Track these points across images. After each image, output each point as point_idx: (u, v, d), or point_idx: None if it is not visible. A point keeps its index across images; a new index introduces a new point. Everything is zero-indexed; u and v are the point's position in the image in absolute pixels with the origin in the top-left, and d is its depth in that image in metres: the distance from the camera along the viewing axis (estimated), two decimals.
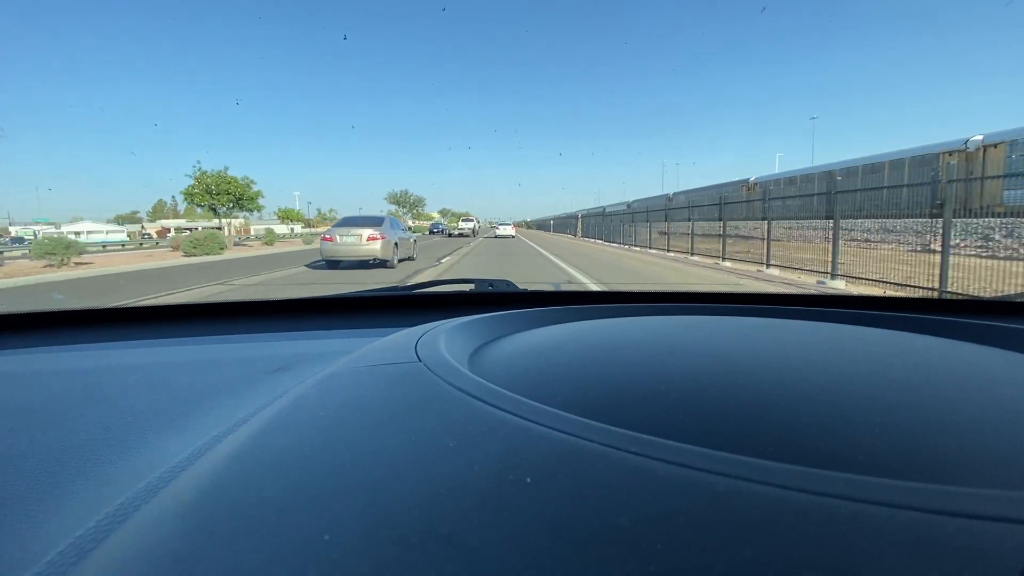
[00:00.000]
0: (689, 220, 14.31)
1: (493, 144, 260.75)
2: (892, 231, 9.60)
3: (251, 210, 24.27)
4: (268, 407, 0.34)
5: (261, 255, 16.68)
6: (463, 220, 40.60)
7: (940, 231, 6.20)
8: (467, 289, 1.20)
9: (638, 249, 17.81)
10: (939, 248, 6.28)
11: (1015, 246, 7.91)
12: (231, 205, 23.43)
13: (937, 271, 6.15)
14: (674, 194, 38.08)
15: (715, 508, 0.18)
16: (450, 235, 37.55)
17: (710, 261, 12.07)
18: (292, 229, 52.80)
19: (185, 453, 0.32)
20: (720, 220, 12.70)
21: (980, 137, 14.08)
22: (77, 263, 12.71)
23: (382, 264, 10.55)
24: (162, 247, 23.65)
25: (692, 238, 13.93)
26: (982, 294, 5.56)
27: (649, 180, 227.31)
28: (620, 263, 11.65)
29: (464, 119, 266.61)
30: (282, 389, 0.44)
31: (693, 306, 0.62)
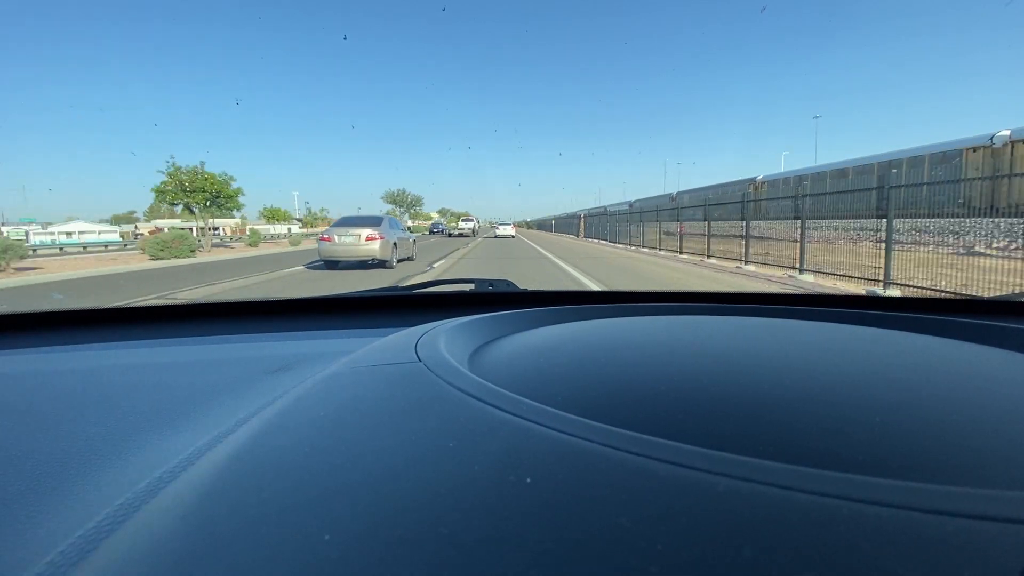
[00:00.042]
0: (705, 220, 13.32)
1: (493, 144, 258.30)
2: (925, 231, 8.88)
3: (230, 209, 22.53)
4: (268, 407, 0.34)
5: (240, 258, 15.67)
6: (463, 220, 40.53)
7: (984, 231, 5.52)
8: (467, 289, 1.19)
9: (647, 251, 16.98)
10: (986, 250, 5.62)
11: None
12: (207, 203, 21.46)
13: (995, 277, 5.49)
14: (678, 193, 37.47)
15: (716, 508, 0.18)
16: (450, 235, 37.52)
17: (730, 264, 11.15)
18: (290, 229, 51.87)
19: (185, 453, 0.32)
20: (723, 220, 12.12)
21: (1007, 132, 13.44)
22: (19, 268, 11.58)
23: (381, 264, 10.49)
24: (130, 250, 22.00)
25: (708, 240, 12.90)
26: None
27: (650, 180, 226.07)
28: (637, 269, 10.69)
29: (464, 119, 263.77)
30: (282, 389, 0.44)
31: (693, 306, 0.62)
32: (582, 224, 34.03)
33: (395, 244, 11.04)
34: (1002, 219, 6.45)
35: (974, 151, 14.12)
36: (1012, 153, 13.29)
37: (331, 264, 10.63)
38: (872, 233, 8.98)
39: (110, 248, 24.96)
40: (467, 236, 34.55)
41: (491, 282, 1.24)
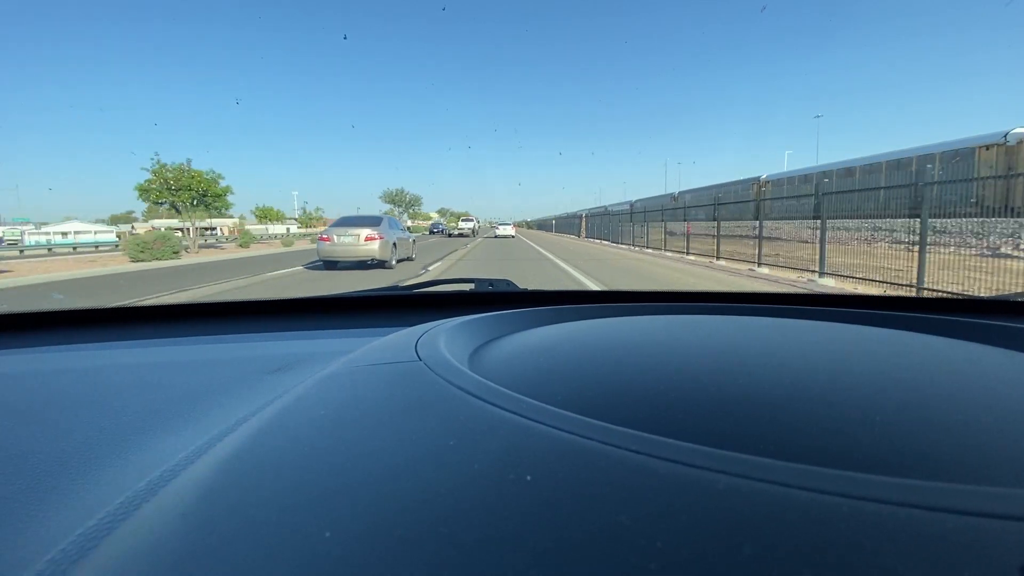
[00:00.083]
0: (714, 219, 12.90)
1: (493, 144, 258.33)
2: (944, 231, 8.49)
3: (218, 208, 21.33)
4: (268, 406, 0.35)
5: (227, 260, 14.91)
6: (463, 220, 40.45)
7: (1008, 231, 5.14)
8: (467, 289, 1.19)
9: (651, 251, 16.43)
10: (1013, 252, 5.25)
11: None
12: (194, 203, 20.34)
13: None
14: (680, 193, 37.11)
15: (716, 506, 0.18)
16: (450, 235, 37.48)
17: (741, 266, 10.63)
18: (288, 230, 51.30)
19: (185, 452, 0.33)
20: (728, 220, 11.68)
21: (1022, 130, 13.08)
22: None
23: (380, 265, 10.45)
24: (120, 251, 20.24)
25: (718, 240, 12.36)
26: None
27: (650, 179, 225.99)
28: (645, 271, 10.08)
29: (464, 119, 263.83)
30: (282, 389, 0.45)
31: (694, 305, 0.63)
32: (583, 224, 33.65)
33: (394, 244, 10.98)
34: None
35: (987, 149, 13.78)
36: None
37: (330, 264, 10.57)
38: (887, 233, 8.56)
39: (100, 249, 24.23)
40: (467, 236, 34.50)
41: (491, 282, 1.24)
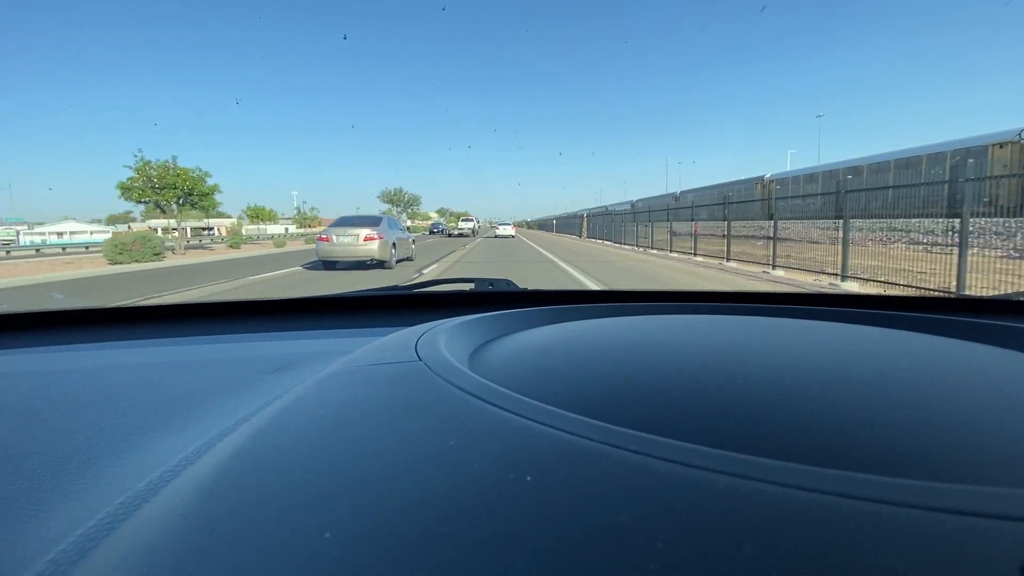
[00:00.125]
0: (725, 219, 12.27)
1: (493, 144, 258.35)
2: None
3: (205, 207, 20.28)
4: (268, 406, 0.35)
5: (214, 262, 14.26)
6: (463, 220, 40.49)
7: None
8: (467, 288, 1.20)
9: (656, 252, 16.05)
10: None
11: None
12: (179, 202, 19.21)
13: None
14: (681, 192, 36.81)
15: (716, 506, 0.18)
16: (450, 235, 37.49)
17: (754, 268, 10.15)
18: (287, 230, 50.84)
19: (185, 452, 0.33)
20: (735, 220, 11.30)
21: None
22: None
23: (379, 265, 10.41)
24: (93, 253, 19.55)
25: (728, 241, 11.77)
26: None
27: (650, 179, 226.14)
28: (654, 274, 9.67)
29: (464, 119, 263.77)
30: (282, 389, 0.45)
31: (694, 305, 0.63)
32: (585, 224, 33.29)
33: (394, 244, 10.95)
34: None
35: (1000, 147, 13.48)
36: None
37: (329, 265, 10.53)
38: (902, 234, 8.20)
39: (91, 249, 23.47)
40: (467, 236, 34.51)
41: (491, 281, 1.24)
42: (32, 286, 9.28)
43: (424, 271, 10.34)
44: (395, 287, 1.23)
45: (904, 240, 8.18)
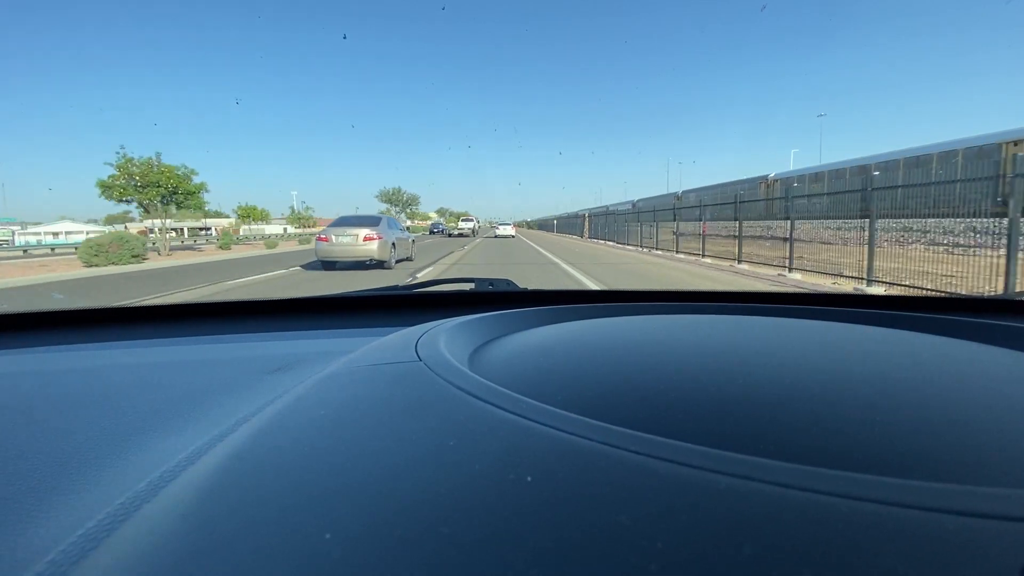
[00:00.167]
0: (735, 219, 11.71)
1: (493, 144, 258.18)
2: (986, 232, 7.73)
3: (191, 207, 19.34)
4: (268, 406, 0.35)
5: (196, 264, 13.42)
6: (463, 220, 40.56)
7: None
8: (467, 288, 1.20)
9: (660, 253, 15.57)
10: None
11: None
12: (162, 200, 18.05)
13: None
14: (683, 192, 36.47)
15: (716, 506, 0.18)
16: (450, 235, 37.55)
17: (768, 271, 9.58)
18: (285, 230, 50.42)
19: (185, 453, 0.33)
20: (741, 220, 10.84)
21: None
22: None
23: (379, 265, 10.37)
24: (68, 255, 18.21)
25: (739, 241, 11.26)
26: None
27: (650, 179, 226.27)
28: (664, 277, 9.12)
29: (464, 119, 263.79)
30: (282, 389, 0.45)
31: (695, 305, 0.63)
32: (587, 224, 32.98)
33: (393, 244, 10.91)
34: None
35: (1016, 144, 13.15)
36: None
37: (328, 265, 10.48)
38: (920, 234, 7.82)
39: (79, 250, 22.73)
40: (467, 236, 34.56)
41: (491, 281, 1.25)
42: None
43: (417, 275, 9.55)
44: (395, 287, 1.22)
45: (923, 241, 7.80)
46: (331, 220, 11.20)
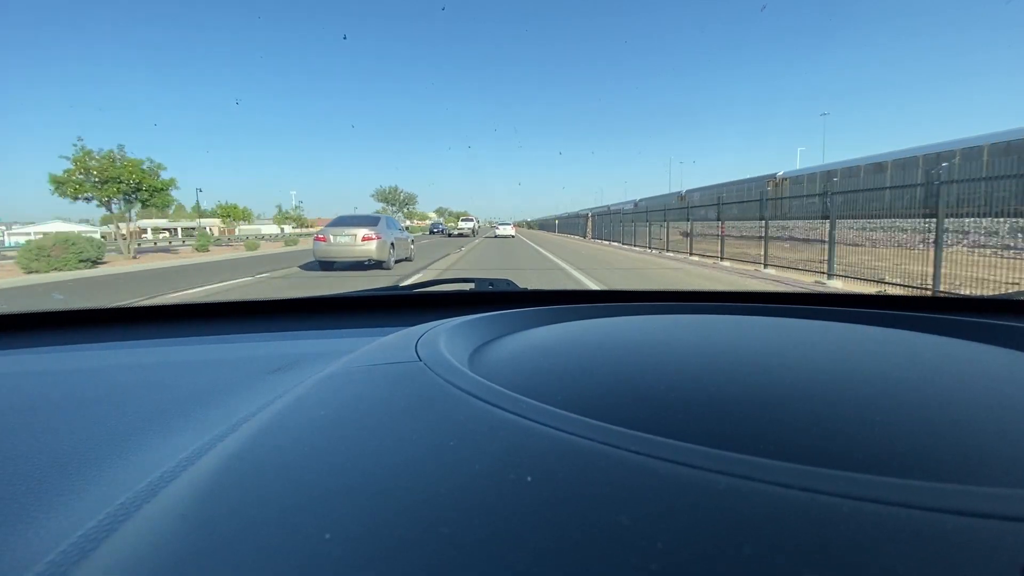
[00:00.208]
0: (761, 219, 10.74)
1: (493, 144, 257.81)
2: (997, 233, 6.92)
3: (158, 205, 17.47)
4: (268, 407, 0.35)
5: (157, 269, 12.21)
6: (463, 220, 40.49)
7: None
8: (467, 288, 1.20)
9: (671, 255, 14.77)
10: None
11: None
12: (125, 197, 16.26)
13: None
14: (686, 191, 35.82)
15: (716, 506, 0.19)
16: (449, 235, 37.50)
17: (803, 277, 8.71)
18: (283, 230, 49.52)
19: (185, 453, 0.33)
20: (743, 219, 10.00)
21: None
22: None
23: (378, 265, 10.24)
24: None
25: (765, 243, 10.28)
26: None
27: (651, 179, 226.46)
28: (680, 283, 8.22)
29: (463, 119, 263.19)
30: (282, 389, 0.45)
31: (695, 305, 0.63)
32: (590, 224, 32.34)
33: (392, 244, 10.79)
34: None
35: None
36: None
37: (326, 265, 10.39)
38: (959, 236, 7.05)
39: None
40: (467, 236, 34.53)
41: (491, 281, 1.25)
42: None
43: (407, 280, 8.37)
44: (395, 287, 1.26)
45: (965, 243, 7.02)
46: (323, 220, 10.83)
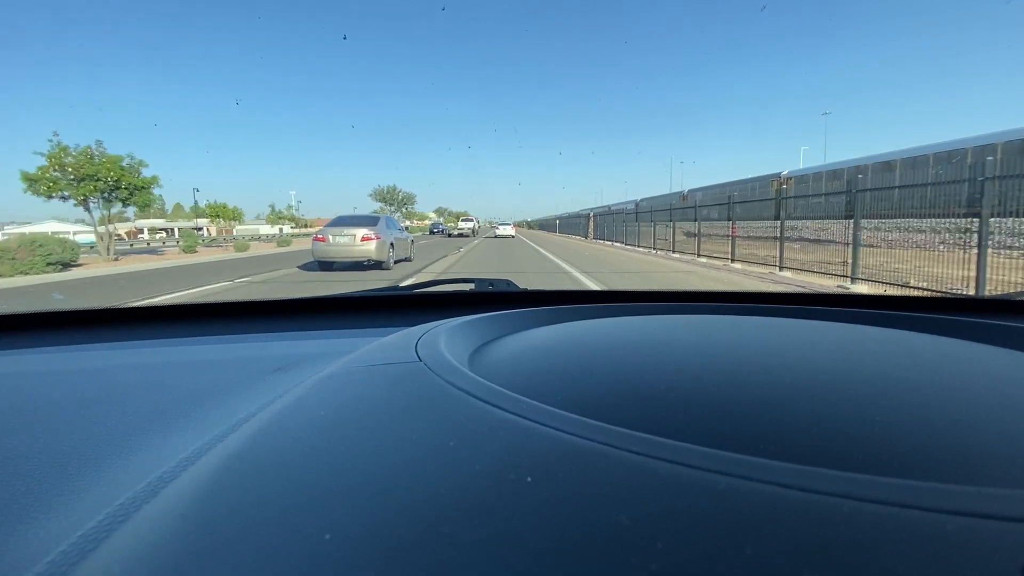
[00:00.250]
0: (777, 219, 10.22)
1: (493, 144, 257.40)
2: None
3: (139, 204, 16.50)
4: (269, 407, 0.35)
5: (134, 272, 11.50)
6: (463, 220, 40.62)
7: None
8: (467, 289, 1.21)
9: (677, 256, 14.33)
10: None
11: None
12: (105, 196, 15.36)
13: None
14: (689, 191, 35.43)
15: (716, 506, 0.19)
16: (449, 235, 37.57)
17: (826, 281, 8.12)
18: (281, 230, 49.07)
19: (185, 453, 0.33)
20: (749, 220, 9.60)
21: None
22: None
23: (377, 266, 10.20)
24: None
25: (781, 244, 9.72)
26: None
27: (651, 179, 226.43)
28: (694, 287, 7.38)
29: (463, 119, 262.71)
30: (282, 389, 0.45)
31: (695, 305, 0.63)
32: (591, 224, 32.02)
33: (392, 244, 10.76)
34: None
35: None
36: None
37: (325, 265, 10.37)
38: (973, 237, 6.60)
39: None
40: (466, 236, 34.57)
41: (491, 281, 1.25)
42: None
43: (406, 281, 7.81)
44: (395, 287, 1.25)
45: (992, 245, 6.58)
46: (323, 220, 10.74)
